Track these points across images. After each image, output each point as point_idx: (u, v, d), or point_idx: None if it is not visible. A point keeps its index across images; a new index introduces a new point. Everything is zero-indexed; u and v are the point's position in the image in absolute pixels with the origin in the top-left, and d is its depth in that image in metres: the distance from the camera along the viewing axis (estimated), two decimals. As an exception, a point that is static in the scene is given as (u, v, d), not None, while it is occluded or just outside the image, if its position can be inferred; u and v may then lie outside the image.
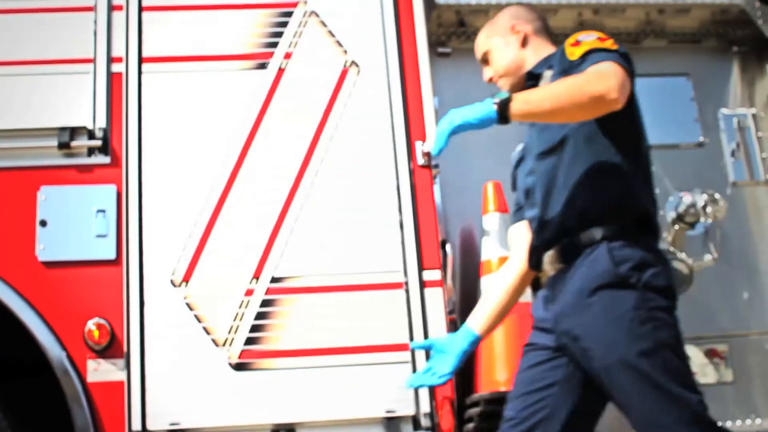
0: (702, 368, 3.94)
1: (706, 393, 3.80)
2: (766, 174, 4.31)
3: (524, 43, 2.78)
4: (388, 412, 3.25)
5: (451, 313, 3.54)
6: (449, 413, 3.29)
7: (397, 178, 3.51)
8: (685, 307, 3.93)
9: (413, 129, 3.58)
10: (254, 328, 3.31)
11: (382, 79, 3.64)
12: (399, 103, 3.60)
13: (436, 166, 3.60)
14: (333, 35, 3.69)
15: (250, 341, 3.29)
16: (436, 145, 2.38)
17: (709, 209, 3.95)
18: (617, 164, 2.45)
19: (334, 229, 3.43)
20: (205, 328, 3.30)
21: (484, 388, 3.51)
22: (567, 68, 2.49)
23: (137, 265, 3.32)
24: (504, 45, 2.80)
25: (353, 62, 3.65)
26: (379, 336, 3.33)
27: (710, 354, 3.96)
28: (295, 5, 3.72)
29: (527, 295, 3.67)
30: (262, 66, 3.62)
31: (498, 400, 3.37)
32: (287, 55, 3.64)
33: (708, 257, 3.92)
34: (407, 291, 3.38)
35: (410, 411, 3.27)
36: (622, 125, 2.46)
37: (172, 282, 3.31)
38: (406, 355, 3.32)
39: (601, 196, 2.43)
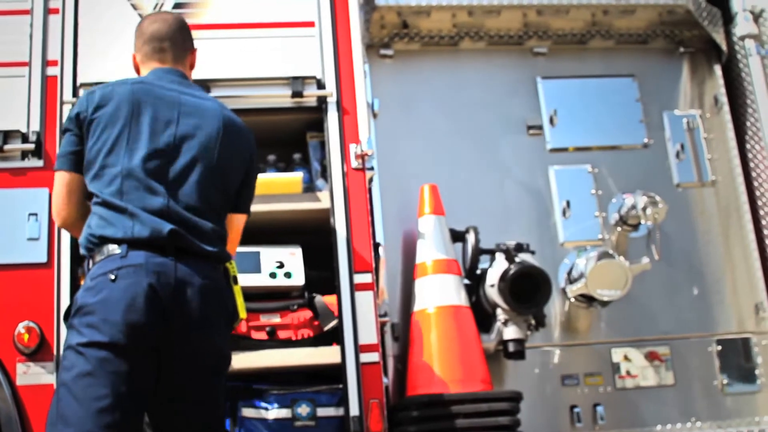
0: (642, 371, 3.92)
1: (646, 395, 3.88)
2: (713, 175, 4.29)
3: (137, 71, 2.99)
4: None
5: (384, 316, 3.53)
6: (378, 416, 3.28)
7: (331, 180, 3.51)
8: (627, 309, 4.00)
9: (347, 132, 3.57)
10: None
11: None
12: (334, 106, 3.60)
13: (371, 168, 3.59)
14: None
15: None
16: None
17: (648, 211, 3.93)
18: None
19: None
20: (133, 5, 3.68)
21: (416, 391, 3.50)
22: None
23: (68, 269, 3.33)
24: None
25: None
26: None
27: (650, 357, 3.94)
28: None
29: (461, 298, 3.69)
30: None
31: (429, 403, 3.38)
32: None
33: (645, 260, 3.89)
34: (339, 294, 3.37)
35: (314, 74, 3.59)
36: None
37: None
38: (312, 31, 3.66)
39: None
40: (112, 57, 3.60)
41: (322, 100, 3.58)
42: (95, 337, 2.39)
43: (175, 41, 2.90)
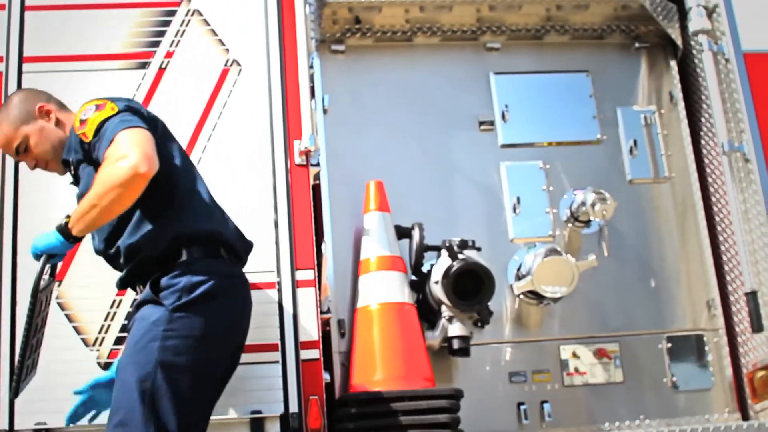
0: (591, 368, 3.90)
1: (594, 393, 3.86)
2: (669, 172, 4.26)
3: (58, 122, 2.88)
4: (254, 413, 3.24)
5: (326, 313, 3.52)
6: (317, 413, 3.28)
7: (274, 176, 3.50)
8: (577, 306, 3.98)
9: (291, 128, 3.56)
10: (125, 328, 3.30)
11: (263, 78, 3.62)
12: (279, 102, 3.59)
13: (316, 164, 3.58)
14: (215, 34, 3.69)
15: (120, 341, 3.29)
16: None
17: (597, 208, 3.91)
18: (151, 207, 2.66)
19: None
20: (76, 328, 3.32)
21: (357, 388, 3.50)
22: (89, 151, 2.64)
23: (10, 266, 3.33)
24: (39, 130, 2.85)
25: (234, 61, 3.65)
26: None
27: (599, 354, 3.92)
28: (178, 4, 3.72)
29: (405, 295, 3.68)
30: (143, 65, 3.62)
31: (367, 400, 3.37)
32: (168, 55, 3.64)
33: (592, 257, 3.86)
34: (279, 291, 3.37)
35: (277, 412, 3.26)
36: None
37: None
38: (276, 355, 3.31)
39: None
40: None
41: None
42: (221, 332, 2.62)
43: None
